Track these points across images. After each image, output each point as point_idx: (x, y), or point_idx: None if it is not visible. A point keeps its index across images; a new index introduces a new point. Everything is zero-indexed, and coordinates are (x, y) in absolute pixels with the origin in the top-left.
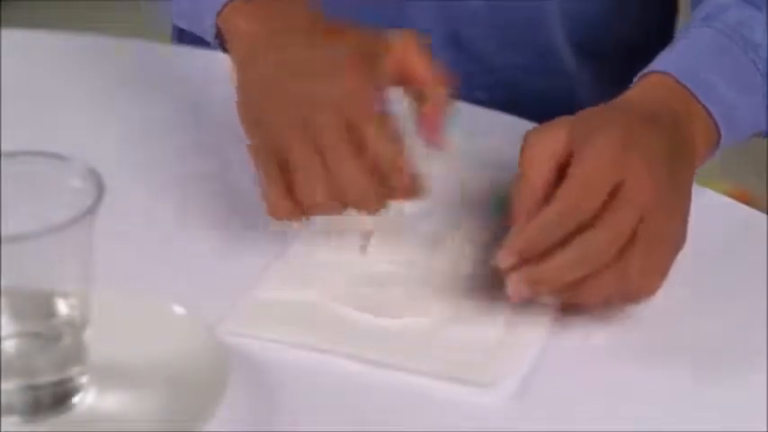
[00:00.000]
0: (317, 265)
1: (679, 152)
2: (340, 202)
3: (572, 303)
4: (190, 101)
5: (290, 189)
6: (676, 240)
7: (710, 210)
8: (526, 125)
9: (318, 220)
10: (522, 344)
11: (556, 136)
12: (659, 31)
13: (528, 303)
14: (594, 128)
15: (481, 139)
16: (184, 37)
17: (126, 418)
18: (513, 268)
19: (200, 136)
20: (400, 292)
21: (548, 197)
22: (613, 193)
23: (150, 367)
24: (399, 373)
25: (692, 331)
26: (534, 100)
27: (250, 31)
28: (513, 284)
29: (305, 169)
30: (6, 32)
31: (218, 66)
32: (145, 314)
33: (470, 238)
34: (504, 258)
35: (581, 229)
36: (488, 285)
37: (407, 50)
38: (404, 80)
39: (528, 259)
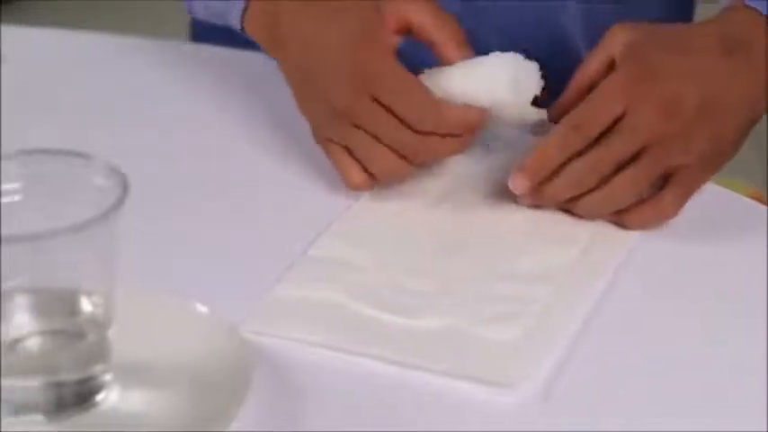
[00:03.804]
0: (340, 263)
1: (743, 84)
2: (402, 164)
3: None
4: (213, 100)
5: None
6: (696, 176)
7: (732, 210)
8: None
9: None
10: (545, 345)
11: (620, 41)
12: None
13: (551, 305)
14: (634, 50)
15: (499, 136)
16: (200, 35)
17: (149, 416)
18: (523, 191)
19: (223, 135)
20: (422, 292)
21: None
22: (617, 121)
23: (173, 366)
24: (420, 372)
25: (712, 338)
26: (551, 99)
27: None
28: (519, 198)
29: (357, 149)
30: (29, 31)
31: (240, 65)
32: (168, 313)
33: (491, 233)
34: (516, 183)
35: (580, 153)
36: (510, 285)
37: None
38: (412, 32)
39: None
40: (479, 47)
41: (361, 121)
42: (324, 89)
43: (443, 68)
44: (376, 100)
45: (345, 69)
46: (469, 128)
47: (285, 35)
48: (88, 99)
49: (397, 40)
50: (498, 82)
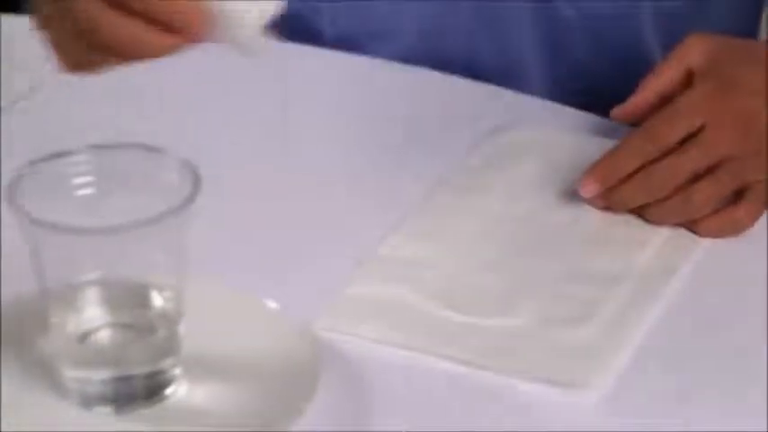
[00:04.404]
0: (412, 262)
1: None
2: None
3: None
4: (284, 97)
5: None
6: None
7: None
8: (617, 128)
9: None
10: (616, 345)
11: (699, 52)
12: (747, 30)
13: (623, 307)
14: (714, 64)
15: (572, 138)
16: None
17: (217, 411)
18: (593, 195)
19: (294, 132)
20: (493, 291)
21: (663, 100)
22: (695, 134)
23: (242, 362)
24: (490, 373)
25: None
26: (620, 98)
27: None
28: (591, 200)
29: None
30: None
31: (316, 62)
32: (239, 309)
33: (564, 233)
34: (585, 187)
35: (657, 160)
36: (582, 286)
37: None
38: None
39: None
40: (557, 43)
41: None
42: None
43: None
44: None
45: None
46: (185, 24)
47: None
48: (161, 92)
49: None
50: None
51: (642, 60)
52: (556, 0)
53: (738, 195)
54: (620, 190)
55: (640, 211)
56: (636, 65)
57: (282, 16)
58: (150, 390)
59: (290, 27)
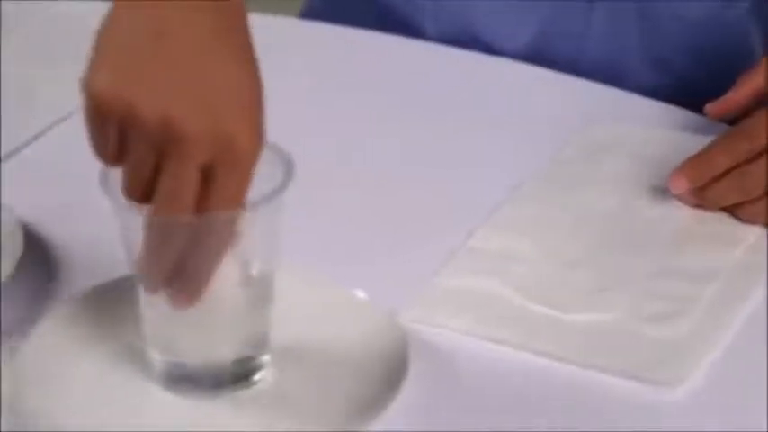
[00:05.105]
0: (501, 255)
1: None
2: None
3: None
4: (380, 88)
5: None
6: None
7: None
8: (711, 125)
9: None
10: (706, 344)
11: None
12: None
13: (714, 304)
14: None
15: (664, 134)
16: (311, 12)
17: (304, 398)
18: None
19: (389, 124)
20: (583, 286)
21: (759, 98)
22: None
23: (331, 351)
24: (579, 368)
25: None
26: (718, 93)
27: None
28: (682, 197)
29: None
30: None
31: (416, 54)
32: (328, 298)
33: (655, 229)
34: (675, 184)
35: (752, 160)
36: (673, 283)
37: None
38: None
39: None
40: (656, 38)
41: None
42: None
43: None
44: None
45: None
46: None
47: None
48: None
49: None
50: None
51: (739, 57)
52: (658, 1)
53: None
54: (712, 188)
55: (732, 210)
56: (732, 61)
57: (382, 11)
58: (238, 375)
59: (391, 23)
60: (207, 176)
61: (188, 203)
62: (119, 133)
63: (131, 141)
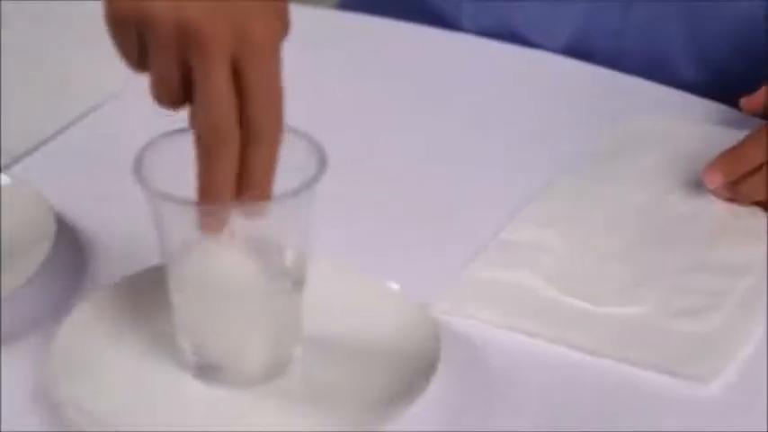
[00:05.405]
0: (533, 247)
1: None
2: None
3: None
4: (414, 81)
5: None
6: None
7: None
8: (745, 120)
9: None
10: (739, 339)
11: None
12: None
13: (748, 298)
14: None
15: (698, 127)
16: (349, 3)
17: (336, 389)
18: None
19: (421, 116)
20: (615, 280)
21: None
22: None
23: (362, 342)
24: (611, 362)
25: None
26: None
27: None
28: (716, 191)
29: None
30: None
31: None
32: (360, 290)
33: (688, 223)
34: (709, 178)
35: None
36: (706, 277)
37: None
38: None
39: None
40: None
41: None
42: None
43: None
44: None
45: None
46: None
47: None
48: (294, 74)
49: None
50: None
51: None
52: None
53: None
54: (746, 182)
55: (765, 204)
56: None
57: (419, 6)
58: (269, 367)
59: (427, 19)
60: (237, 73)
61: (227, 101)
62: (139, 38)
63: (151, 46)
